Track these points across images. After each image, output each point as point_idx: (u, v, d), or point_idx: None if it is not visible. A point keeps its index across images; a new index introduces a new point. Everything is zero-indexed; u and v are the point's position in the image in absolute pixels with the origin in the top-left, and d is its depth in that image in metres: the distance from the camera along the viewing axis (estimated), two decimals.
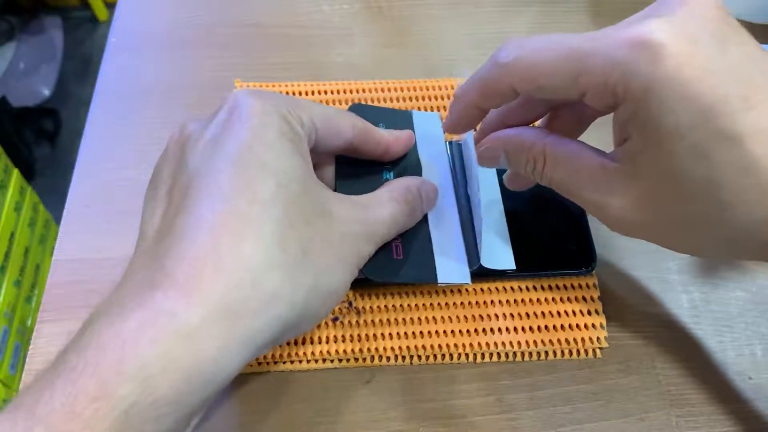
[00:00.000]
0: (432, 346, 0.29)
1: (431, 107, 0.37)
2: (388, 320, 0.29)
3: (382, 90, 0.38)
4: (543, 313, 0.30)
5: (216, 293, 0.19)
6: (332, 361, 0.29)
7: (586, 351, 0.29)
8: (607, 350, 0.29)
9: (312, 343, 0.29)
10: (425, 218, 0.29)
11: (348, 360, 0.29)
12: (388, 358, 0.29)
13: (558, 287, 0.30)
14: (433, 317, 0.30)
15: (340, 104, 0.37)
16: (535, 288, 0.30)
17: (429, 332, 0.29)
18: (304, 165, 0.23)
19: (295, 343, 0.29)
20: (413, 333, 0.29)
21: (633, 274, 0.31)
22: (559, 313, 0.30)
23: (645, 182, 0.23)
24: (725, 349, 0.29)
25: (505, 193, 0.32)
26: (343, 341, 0.29)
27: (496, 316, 0.30)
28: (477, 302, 0.30)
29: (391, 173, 0.30)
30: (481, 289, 0.30)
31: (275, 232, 0.21)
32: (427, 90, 0.38)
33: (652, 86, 0.21)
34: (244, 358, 0.20)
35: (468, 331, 0.29)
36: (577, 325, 0.29)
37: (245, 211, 0.21)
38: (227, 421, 0.28)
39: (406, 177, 0.29)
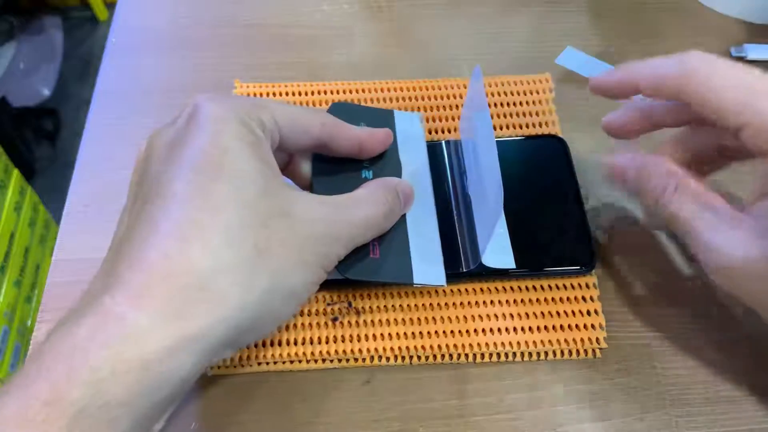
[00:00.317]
0: (432, 346, 0.29)
1: (431, 107, 0.37)
2: (388, 320, 0.29)
3: (382, 90, 0.38)
4: (543, 313, 0.30)
5: (163, 297, 0.20)
6: (332, 361, 0.29)
7: (585, 351, 0.29)
8: (606, 350, 0.29)
9: (312, 343, 0.29)
10: (403, 219, 0.29)
11: (348, 360, 0.29)
12: (388, 359, 0.29)
13: (558, 287, 0.30)
14: (433, 317, 0.30)
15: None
16: (535, 288, 0.30)
17: (429, 332, 0.29)
18: (263, 167, 0.23)
19: (295, 343, 0.29)
20: (413, 333, 0.29)
21: (633, 274, 0.31)
22: (558, 313, 0.30)
23: None
24: (725, 349, 0.29)
25: (506, 192, 0.32)
26: (343, 341, 0.29)
27: (496, 316, 0.30)
28: (477, 302, 0.30)
29: (370, 172, 0.30)
30: (481, 289, 0.30)
31: (225, 235, 0.21)
32: (427, 90, 0.37)
33: None
34: (198, 361, 0.21)
35: (468, 331, 0.29)
36: (577, 325, 0.29)
37: (196, 216, 0.21)
38: (227, 422, 0.28)
39: (384, 177, 0.29)
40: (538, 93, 0.37)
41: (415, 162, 0.31)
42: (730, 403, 0.28)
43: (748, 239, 0.24)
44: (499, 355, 0.29)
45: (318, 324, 0.29)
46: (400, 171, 0.30)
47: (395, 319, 0.29)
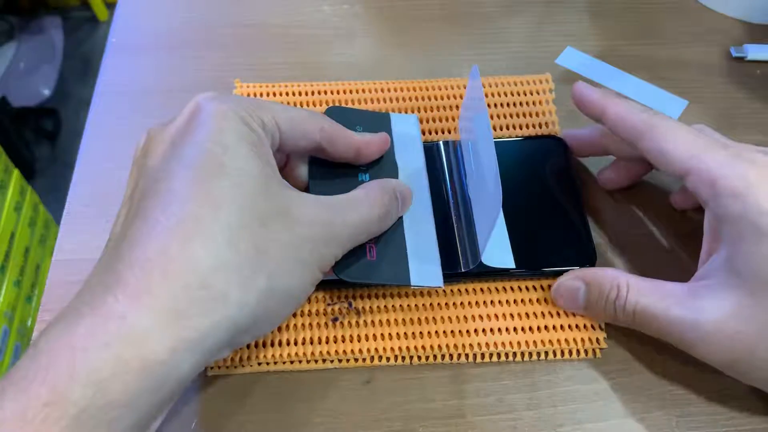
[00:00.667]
0: (432, 346, 0.29)
1: (431, 107, 0.37)
2: (388, 320, 0.29)
3: (382, 90, 0.38)
4: (543, 313, 0.30)
5: (164, 296, 0.20)
6: (332, 361, 0.29)
7: (585, 351, 0.29)
8: (607, 350, 0.29)
9: (312, 343, 0.29)
10: (400, 220, 0.29)
11: (348, 360, 0.29)
12: (388, 359, 0.29)
13: None
14: (433, 317, 0.29)
15: (340, 105, 0.37)
16: (534, 288, 0.30)
17: (429, 332, 0.29)
18: (264, 166, 0.23)
19: (295, 343, 0.29)
20: (413, 333, 0.29)
21: (632, 273, 0.31)
22: (558, 314, 0.30)
23: (743, 287, 0.24)
24: None
25: (506, 192, 0.32)
26: (343, 341, 0.29)
27: (496, 316, 0.30)
28: (477, 302, 0.30)
29: (367, 174, 0.30)
30: (481, 289, 0.30)
31: (226, 234, 0.21)
32: (427, 90, 0.37)
33: (752, 184, 0.23)
34: (196, 361, 0.20)
35: (468, 331, 0.29)
36: (577, 325, 0.29)
37: (197, 213, 0.21)
38: (227, 421, 0.28)
39: (381, 179, 0.29)
40: (538, 93, 0.37)
41: (411, 164, 0.31)
42: (730, 403, 0.28)
43: (716, 299, 0.24)
44: (499, 355, 0.29)
45: (318, 324, 0.29)
46: (397, 173, 0.30)
47: (395, 320, 0.29)
